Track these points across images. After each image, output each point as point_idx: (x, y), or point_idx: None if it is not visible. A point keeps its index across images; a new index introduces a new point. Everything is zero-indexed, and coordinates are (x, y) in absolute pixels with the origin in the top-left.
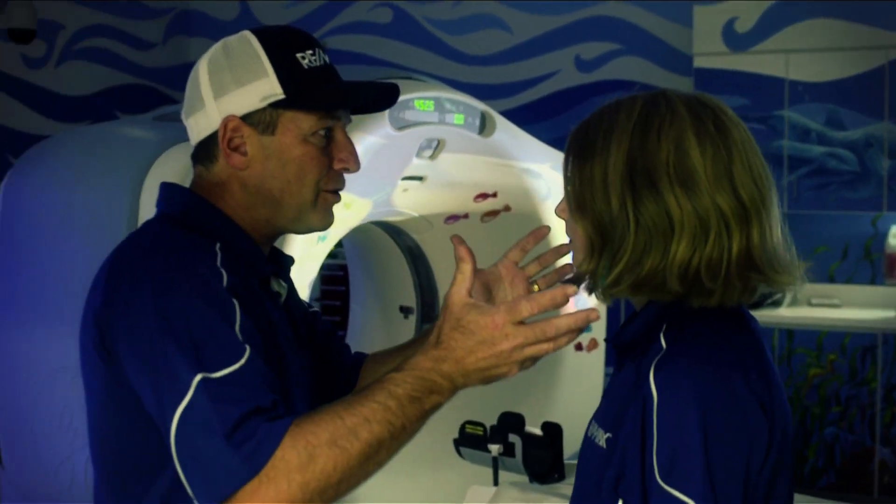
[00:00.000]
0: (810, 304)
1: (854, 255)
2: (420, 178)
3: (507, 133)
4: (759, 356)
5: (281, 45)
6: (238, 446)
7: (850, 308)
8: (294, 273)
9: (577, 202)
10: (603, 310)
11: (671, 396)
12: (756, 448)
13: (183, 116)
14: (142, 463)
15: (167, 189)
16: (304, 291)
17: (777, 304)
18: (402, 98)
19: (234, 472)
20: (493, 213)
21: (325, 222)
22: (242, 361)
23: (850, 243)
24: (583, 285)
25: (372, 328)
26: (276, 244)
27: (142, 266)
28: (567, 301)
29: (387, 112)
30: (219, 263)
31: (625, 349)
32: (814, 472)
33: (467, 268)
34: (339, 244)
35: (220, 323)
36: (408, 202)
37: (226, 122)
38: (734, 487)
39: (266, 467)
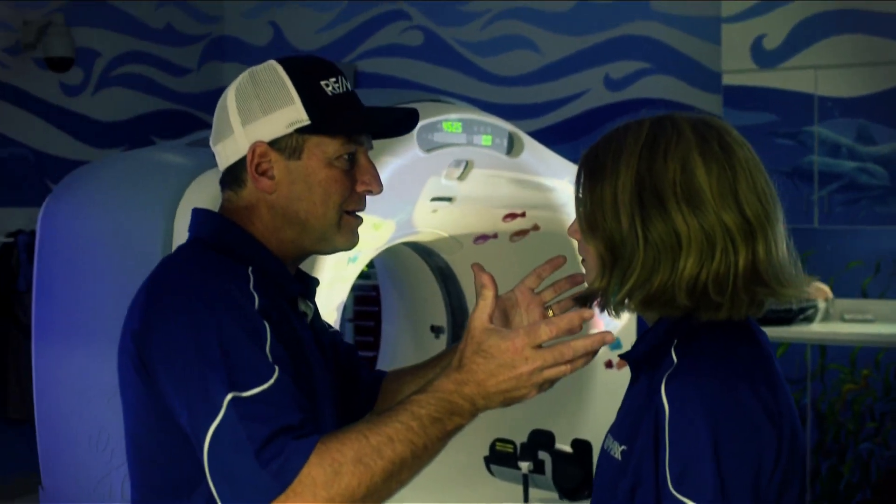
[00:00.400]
0: (843, 320)
1: (887, 270)
2: (449, 199)
3: (535, 153)
4: (768, 368)
5: (305, 74)
6: (266, 464)
7: (884, 323)
8: (324, 294)
9: (589, 222)
10: (633, 328)
11: (681, 408)
12: (765, 457)
13: (211, 143)
14: (179, 478)
15: (199, 214)
16: (334, 313)
17: (809, 319)
18: (430, 120)
19: (263, 490)
20: (521, 233)
21: (350, 243)
22: (272, 381)
23: (883, 258)
24: (595, 302)
25: (404, 347)
26: (308, 266)
27: (178, 288)
28: (581, 326)
29: (415, 134)
30: (251, 287)
31: (638, 363)
32: (849, 488)
33: (489, 294)
34: (371, 265)
35: (251, 344)
36: (437, 223)
37: (254, 147)
38: (744, 496)
39: (293, 484)
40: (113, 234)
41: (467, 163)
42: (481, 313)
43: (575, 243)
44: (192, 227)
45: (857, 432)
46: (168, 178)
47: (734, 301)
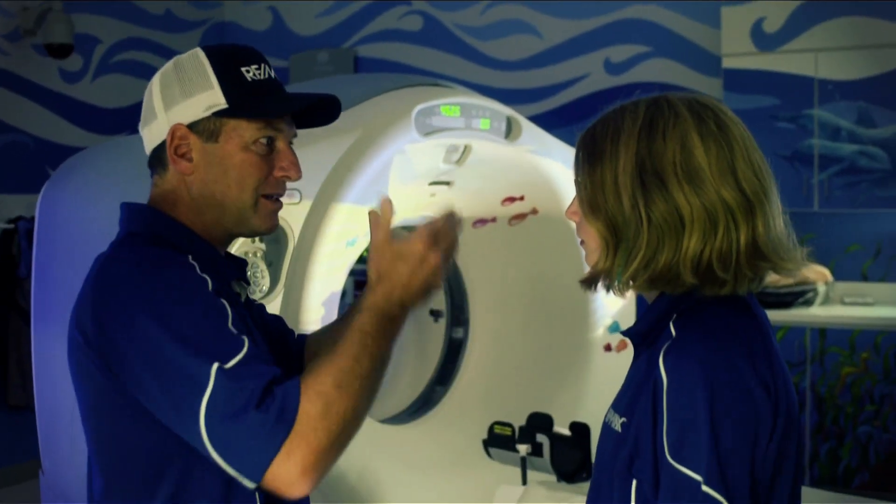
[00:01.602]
0: (843, 303)
1: (887, 254)
2: (447, 183)
3: (533, 137)
4: (764, 341)
5: (226, 59)
6: (267, 411)
7: (883, 306)
8: (322, 271)
9: (590, 204)
10: (632, 309)
11: (679, 379)
12: (761, 428)
13: (140, 128)
14: (143, 476)
15: (128, 209)
16: (336, 298)
17: (809, 303)
18: (428, 104)
19: (271, 436)
20: (520, 216)
21: (268, 225)
22: (245, 349)
23: (883, 241)
24: (599, 283)
25: (403, 332)
26: (305, 252)
27: (133, 286)
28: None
29: (413, 118)
30: (199, 272)
31: (639, 340)
32: (847, 472)
33: (388, 216)
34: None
35: (218, 321)
36: (435, 207)
37: (173, 129)
38: (740, 465)
39: (295, 424)
40: (111, 220)
41: (465, 147)
42: (383, 231)
43: (573, 225)
44: (123, 222)
45: (856, 415)
46: None
47: (738, 276)
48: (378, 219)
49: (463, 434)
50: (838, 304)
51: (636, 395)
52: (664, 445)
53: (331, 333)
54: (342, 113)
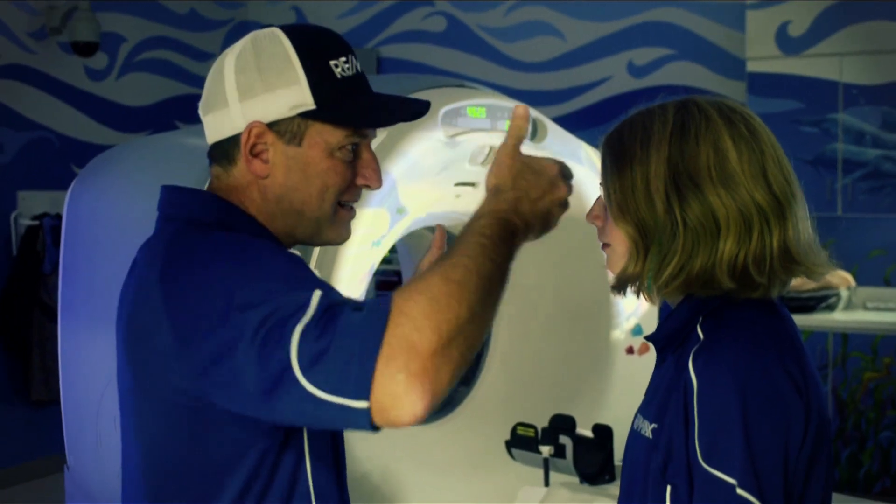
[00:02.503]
0: (865, 308)
1: None
2: (472, 185)
3: (558, 139)
4: (794, 342)
5: (314, 50)
6: (359, 311)
7: None
8: (348, 272)
9: (620, 208)
10: (654, 313)
11: (710, 382)
12: (794, 430)
13: (201, 111)
14: (201, 482)
15: (184, 193)
16: (358, 289)
17: (832, 307)
18: (454, 105)
19: (366, 336)
20: None
21: (343, 237)
22: (340, 291)
23: None
24: (630, 288)
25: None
26: (330, 254)
27: (213, 272)
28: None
29: (439, 119)
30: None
31: (665, 344)
32: (869, 477)
33: (523, 125)
34: (393, 250)
35: (310, 272)
36: (460, 208)
37: (250, 127)
38: (774, 468)
39: (392, 314)
40: (138, 217)
41: (491, 148)
42: (514, 139)
43: (594, 228)
44: (176, 207)
45: (877, 421)
46: (193, 162)
47: (772, 279)
48: (513, 128)
49: (485, 435)
50: (861, 309)
51: (665, 399)
52: (696, 449)
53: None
54: None
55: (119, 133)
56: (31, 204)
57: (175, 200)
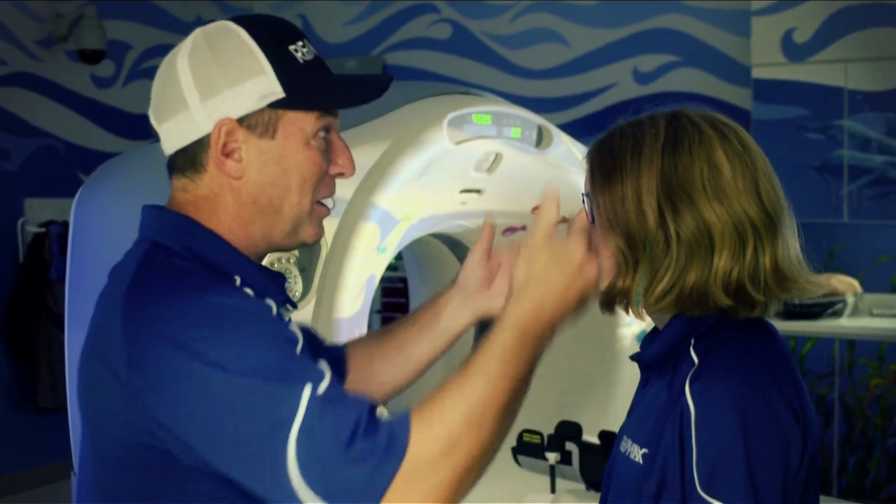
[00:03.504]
0: (872, 315)
1: None
2: (478, 191)
3: (564, 146)
4: (788, 363)
5: (272, 38)
6: (374, 439)
7: None
8: (354, 279)
9: (609, 220)
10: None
11: (708, 409)
12: (792, 454)
13: (153, 119)
14: None
15: (156, 215)
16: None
17: (838, 314)
18: (460, 112)
19: (381, 468)
20: None
21: (318, 235)
22: (329, 375)
23: None
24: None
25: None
26: (336, 260)
27: (177, 320)
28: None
29: (445, 126)
30: (265, 300)
31: (652, 366)
32: (876, 484)
33: (553, 211)
34: (399, 257)
35: (292, 349)
36: (466, 214)
37: (220, 125)
38: (774, 496)
39: (408, 453)
40: None
41: (497, 155)
42: (543, 230)
43: None
44: (146, 228)
45: (884, 427)
46: None
47: (768, 297)
48: (542, 213)
49: None
50: (867, 315)
51: (658, 424)
52: (694, 478)
53: (371, 339)
54: (375, 121)
55: (125, 140)
56: (37, 211)
57: (144, 221)
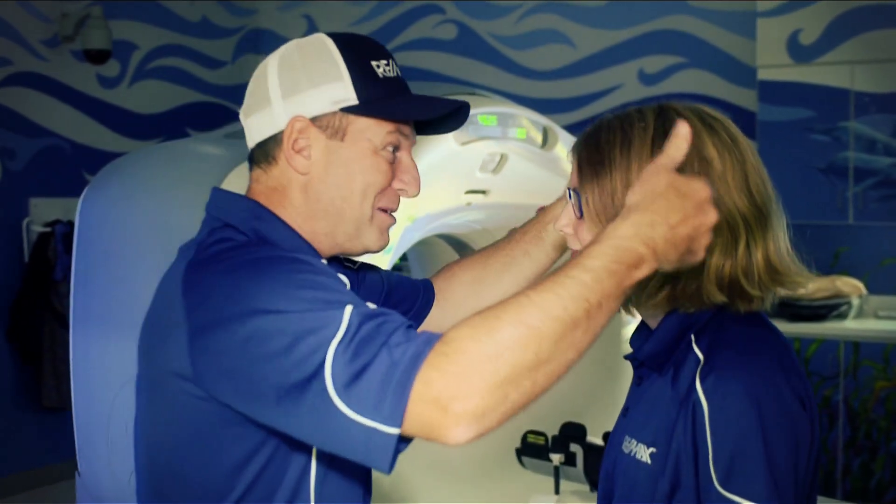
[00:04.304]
0: (877, 317)
1: None
2: (483, 192)
3: (569, 146)
4: (791, 355)
5: (356, 51)
6: (409, 341)
7: None
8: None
9: (598, 215)
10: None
11: (722, 404)
12: (802, 447)
13: (242, 115)
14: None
15: (227, 197)
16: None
17: (843, 316)
18: None
19: (412, 357)
20: None
21: (382, 243)
22: (374, 305)
23: None
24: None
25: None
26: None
27: (242, 280)
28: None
29: None
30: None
31: (648, 363)
32: (880, 486)
33: (685, 140)
34: (405, 257)
35: (341, 284)
36: (471, 215)
37: (293, 121)
38: (790, 488)
39: (441, 345)
40: (151, 225)
41: (502, 156)
42: (671, 155)
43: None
44: (215, 209)
45: (889, 430)
46: (205, 169)
47: (764, 291)
48: (670, 147)
49: (496, 443)
50: (872, 317)
51: (663, 423)
52: (711, 474)
53: (493, 257)
54: None
55: (131, 140)
56: (42, 211)
57: (217, 203)
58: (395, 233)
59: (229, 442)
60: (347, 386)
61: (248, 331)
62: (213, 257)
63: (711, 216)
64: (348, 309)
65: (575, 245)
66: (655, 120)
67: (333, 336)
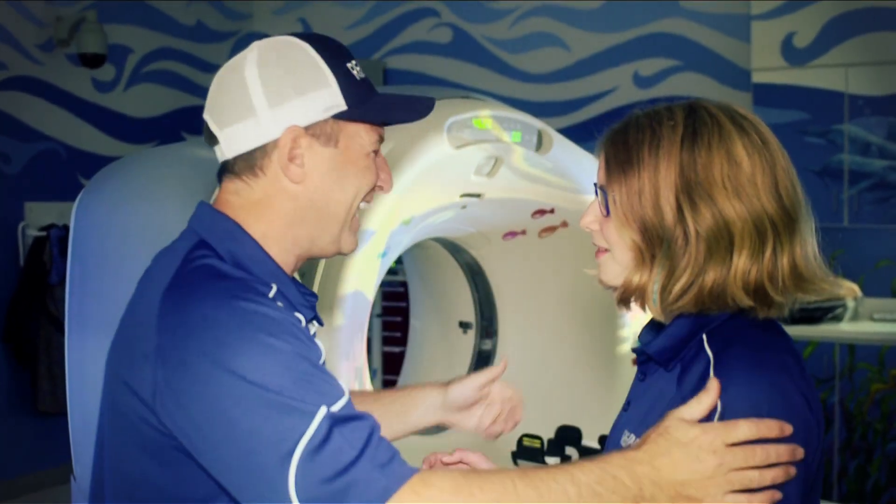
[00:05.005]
0: (872, 319)
1: None
2: (478, 195)
3: (564, 150)
4: (799, 358)
5: (333, 54)
6: (375, 456)
7: None
8: (354, 283)
9: (625, 214)
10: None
11: (731, 403)
12: (808, 448)
13: (215, 126)
14: None
15: (210, 216)
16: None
17: (838, 318)
18: (460, 116)
19: (379, 489)
20: (550, 229)
21: (354, 245)
22: (347, 394)
23: None
24: (633, 301)
25: (432, 343)
26: (337, 264)
27: (217, 324)
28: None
29: (445, 130)
30: (285, 310)
31: (656, 359)
32: (876, 489)
33: (710, 399)
34: (400, 261)
35: (317, 363)
36: (466, 219)
37: (289, 132)
38: (795, 490)
39: (421, 483)
40: (145, 229)
41: (496, 159)
42: (686, 411)
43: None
44: (199, 225)
45: (885, 432)
46: (201, 173)
47: (786, 297)
48: (696, 401)
49: (492, 446)
50: (867, 319)
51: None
52: None
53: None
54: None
55: (126, 144)
56: (38, 215)
57: (201, 218)
58: (396, 238)
59: (189, 479)
60: (310, 499)
61: (221, 390)
62: (194, 290)
63: (712, 460)
64: (322, 411)
65: (600, 241)
66: (685, 119)
67: (303, 435)
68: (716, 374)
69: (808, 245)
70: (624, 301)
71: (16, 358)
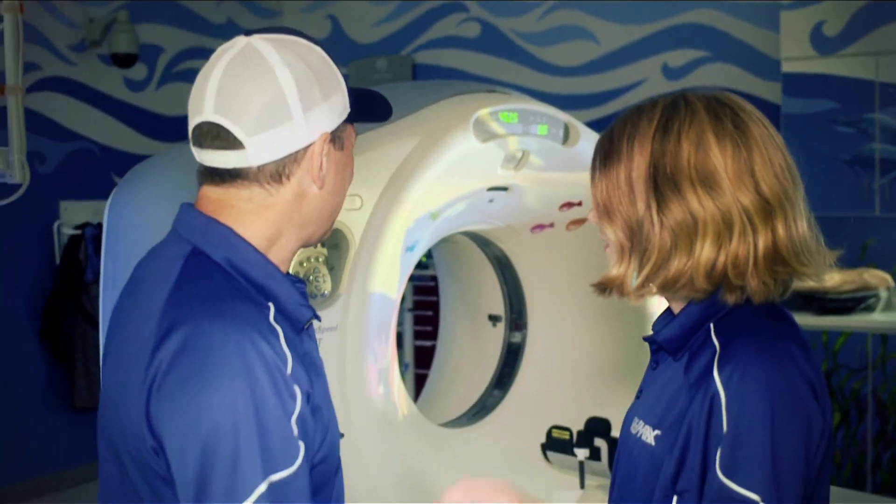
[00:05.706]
0: None
1: None
2: (505, 189)
3: (590, 142)
4: (807, 347)
5: (328, 53)
6: None
7: None
8: (383, 277)
9: (606, 207)
10: None
11: (738, 396)
12: (813, 438)
13: (241, 132)
14: None
15: (202, 223)
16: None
17: (871, 308)
18: (486, 110)
19: None
20: (578, 222)
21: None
22: (298, 462)
23: None
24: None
25: (462, 336)
26: (365, 260)
27: (210, 348)
28: None
29: (471, 124)
30: (282, 342)
31: (666, 348)
32: None
33: None
34: (429, 255)
35: (283, 417)
36: (494, 212)
37: (324, 137)
38: (796, 483)
39: None
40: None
41: (523, 153)
42: None
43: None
44: (190, 232)
45: None
46: None
47: (757, 283)
48: None
49: (521, 438)
50: None
51: (671, 407)
52: (716, 463)
53: None
54: (402, 119)
55: (158, 142)
56: (72, 213)
57: (189, 224)
58: (424, 232)
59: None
60: None
61: (210, 425)
62: (197, 316)
63: None
64: (263, 484)
65: (602, 236)
66: (663, 109)
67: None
68: (721, 364)
69: (794, 228)
70: (601, 291)
71: (52, 355)
